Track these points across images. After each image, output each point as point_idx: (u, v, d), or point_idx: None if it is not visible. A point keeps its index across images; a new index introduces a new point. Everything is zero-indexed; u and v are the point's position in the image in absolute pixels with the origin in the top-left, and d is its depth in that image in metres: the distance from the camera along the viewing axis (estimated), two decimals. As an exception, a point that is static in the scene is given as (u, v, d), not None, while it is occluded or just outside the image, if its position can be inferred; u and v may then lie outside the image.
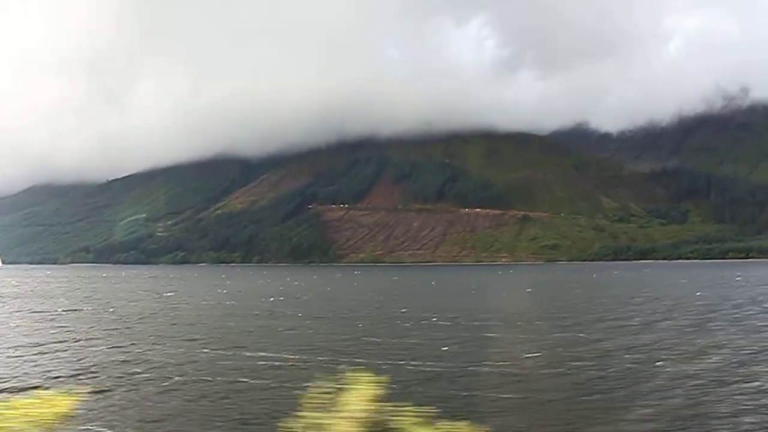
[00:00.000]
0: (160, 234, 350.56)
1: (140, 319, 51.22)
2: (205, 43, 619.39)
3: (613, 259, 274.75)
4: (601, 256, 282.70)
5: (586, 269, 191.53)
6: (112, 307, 62.44)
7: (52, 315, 54.99)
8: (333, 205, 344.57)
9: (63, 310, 59.61)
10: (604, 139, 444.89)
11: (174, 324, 47.28)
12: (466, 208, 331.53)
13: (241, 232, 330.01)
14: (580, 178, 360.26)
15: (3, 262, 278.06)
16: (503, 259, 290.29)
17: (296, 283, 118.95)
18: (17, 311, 59.82)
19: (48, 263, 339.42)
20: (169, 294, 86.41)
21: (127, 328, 44.46)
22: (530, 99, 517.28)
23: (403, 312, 53.15)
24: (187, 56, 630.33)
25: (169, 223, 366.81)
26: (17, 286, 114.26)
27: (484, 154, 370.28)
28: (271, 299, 72.21)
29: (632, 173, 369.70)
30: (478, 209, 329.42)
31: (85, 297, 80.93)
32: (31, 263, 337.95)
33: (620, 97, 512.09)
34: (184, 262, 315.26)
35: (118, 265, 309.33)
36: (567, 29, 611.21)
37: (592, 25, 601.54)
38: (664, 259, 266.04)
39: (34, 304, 69.07)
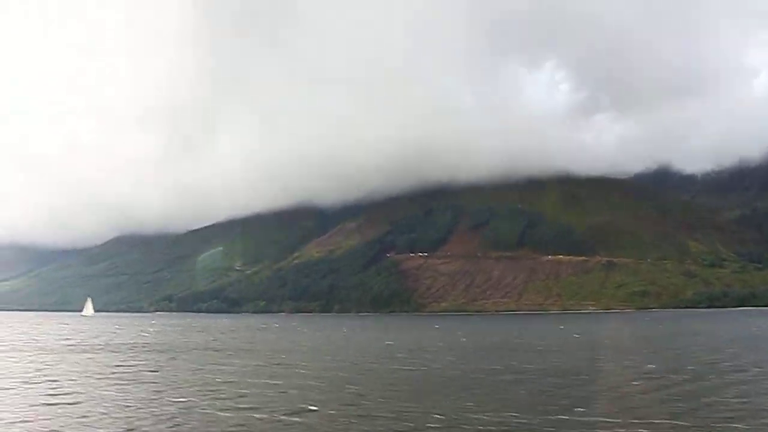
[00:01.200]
0: (240, 283, 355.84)
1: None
2: (282, 92, 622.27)
3: (708, 306, 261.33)
4: (695, 303, 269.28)
5: (687, 318, 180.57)
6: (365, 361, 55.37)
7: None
8: (411, 254, 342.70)
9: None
10: (689, 180, 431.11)
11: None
12: (546, 254, 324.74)
13: (321, 281, 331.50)
14: (664, 221, 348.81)
15: (94, 310, 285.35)
16: (590, 307, 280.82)
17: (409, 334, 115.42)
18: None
19: (133, 311, 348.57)
20: (390, 342, 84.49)
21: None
22: (609, 142, 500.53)
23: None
24: (264, 105, 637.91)
25: (248, 272, 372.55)
26: (171, 335, 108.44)
27: (562, 200, 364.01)
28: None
29: (720, 216, 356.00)
30: (560, 256, 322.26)
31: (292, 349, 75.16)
32: (117, 311, 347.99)
33: (704, 136, 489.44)
34: (265, 311, 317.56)
35: (201, 313, 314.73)
36: (644, 68, 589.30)
37: (670, 62, 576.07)
38: (766, 306, 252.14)
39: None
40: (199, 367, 50.09)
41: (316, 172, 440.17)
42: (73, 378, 42.80)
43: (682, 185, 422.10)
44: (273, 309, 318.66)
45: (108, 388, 37.40)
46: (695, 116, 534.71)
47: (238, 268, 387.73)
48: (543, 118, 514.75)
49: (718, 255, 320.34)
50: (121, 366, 51.09)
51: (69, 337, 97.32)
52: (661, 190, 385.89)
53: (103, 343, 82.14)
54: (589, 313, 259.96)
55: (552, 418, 27.25)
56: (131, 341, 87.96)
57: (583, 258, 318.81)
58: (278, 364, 52.48)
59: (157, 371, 47.41)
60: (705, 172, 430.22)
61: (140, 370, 47.52)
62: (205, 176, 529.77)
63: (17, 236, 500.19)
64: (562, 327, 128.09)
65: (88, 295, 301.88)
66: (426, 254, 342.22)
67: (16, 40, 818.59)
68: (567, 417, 27.50)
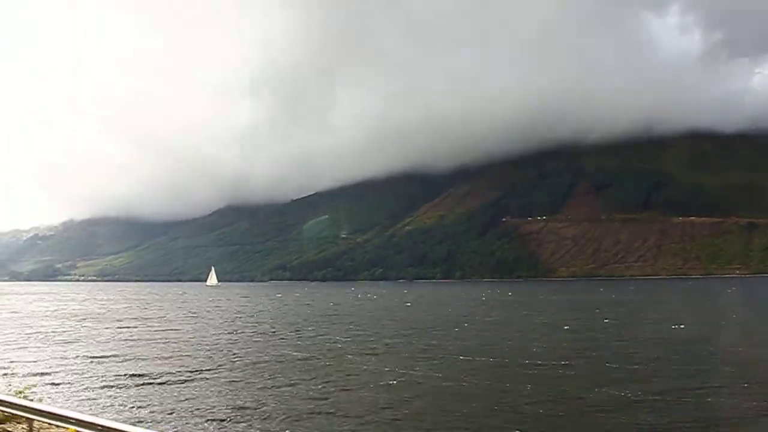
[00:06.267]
0: (353, 251, 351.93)
1: None
2: (397, 56, 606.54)
3: None
4: None
5: None
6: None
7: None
8: (529, 218, 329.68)
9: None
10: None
11: None
12: (677, 216, 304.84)
13: (438, 248, 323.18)
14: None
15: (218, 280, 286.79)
16: (737, 271, 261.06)
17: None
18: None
19: (247, 281, 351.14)
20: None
21: None
22: (748, 92, 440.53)
23: None
24: (378, 70, 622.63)
25: (359, 240, 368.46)
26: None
27: (691, 158, 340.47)
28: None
29: None
30: (692, 217, 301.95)
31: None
32: (230, 281, 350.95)
33: None
34: (382, 278, 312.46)
35: (315, 282, 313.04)
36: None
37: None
38: None
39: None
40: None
41: (427, 136, 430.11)
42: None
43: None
44: (390, 276, 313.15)
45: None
46: None
47: (344, 236, 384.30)
48: (672, 68, 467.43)
49: None
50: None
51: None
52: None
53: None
54: (742, 277, 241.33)
55: None
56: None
57: (719, 219, 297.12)
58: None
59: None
60: None
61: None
62: (314, 144, 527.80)
63: (129, 209, 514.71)
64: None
65: (212, 265, 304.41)
66: (545, 218, 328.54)
67: (134, 16, 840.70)
68: None
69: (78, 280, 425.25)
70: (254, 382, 29.31)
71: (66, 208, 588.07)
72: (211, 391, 27.26)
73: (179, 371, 32.52)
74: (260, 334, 53.16)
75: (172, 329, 56.59)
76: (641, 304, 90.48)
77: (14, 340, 46.85)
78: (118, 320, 66.39)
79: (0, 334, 50.86)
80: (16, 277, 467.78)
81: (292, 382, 29.19)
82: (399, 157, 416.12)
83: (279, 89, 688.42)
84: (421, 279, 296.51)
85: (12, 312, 79.53)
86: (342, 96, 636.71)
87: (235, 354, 39.84)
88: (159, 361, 36.59)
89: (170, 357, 38.64)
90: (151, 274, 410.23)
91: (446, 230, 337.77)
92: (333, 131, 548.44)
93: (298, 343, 45.09)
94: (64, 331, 54.73)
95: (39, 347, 42.68)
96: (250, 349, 41.89)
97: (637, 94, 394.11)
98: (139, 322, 62.40)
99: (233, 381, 30.01)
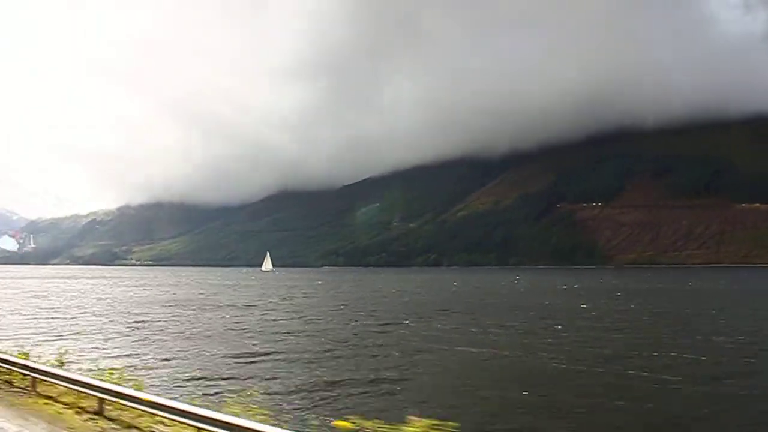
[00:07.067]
0: (406, 237, 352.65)
1: None
2: (452, 39, 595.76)
3: None
4: None
5: None
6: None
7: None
8: (584, 204, 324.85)
9: None
10: None
11: None
12: (740, 203, 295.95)
13: (492, 234, 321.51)
14: None
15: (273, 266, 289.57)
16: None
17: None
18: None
19: (300, 266, 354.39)
20: None
21: None
22: None
23: None
24: (433, 53, 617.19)
25: (412, 225, 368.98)
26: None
27: (755, 142, 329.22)
28: None
29: None
30: (756, 204, 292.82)
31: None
32: (283, 266, 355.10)
33: None
34: (436, 264, 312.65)
35: (369, 267, 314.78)
36: None
37: None
38: None
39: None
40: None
41: (481, 120, 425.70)
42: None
43: None
44: (443, 262, 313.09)
45: None
46: None
47: (397, 222, 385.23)
48: (735, 49, 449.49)
49: None
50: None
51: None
52: None
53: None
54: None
55: None
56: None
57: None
58: None
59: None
60: None
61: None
62: (367, 129, 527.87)
63: (184, 195, 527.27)
64: None
65: (265, 251, 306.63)
66: (600, 204, 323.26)
67: (194, 6, 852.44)
68: None
69: (134, 265, 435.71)
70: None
71: (123, 193, 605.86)
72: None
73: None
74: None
75: (314, 319, 49.47)
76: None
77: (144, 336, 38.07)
78: (226, 306, 65.66)
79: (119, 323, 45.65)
80: (75, 260, 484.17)
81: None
82: (453, 141, 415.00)
83: (332, 74, 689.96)
84: (475, 265, 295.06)
85: (113, 300, 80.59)
86: (396, 80, 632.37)
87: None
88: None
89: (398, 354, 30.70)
90: (205, 258, 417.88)
91: (500, 216, 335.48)
92: (386, 116, 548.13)
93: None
94: (177, 320, 48.34)
95: (164, 341, 36.18)
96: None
97: (698, 76, 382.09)
98: (255, 310, 61.11)
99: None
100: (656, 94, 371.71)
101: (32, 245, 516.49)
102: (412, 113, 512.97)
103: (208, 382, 23.29)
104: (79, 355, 27.62)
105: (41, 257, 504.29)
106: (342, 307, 63.73)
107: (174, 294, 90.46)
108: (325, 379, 24.15)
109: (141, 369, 25.43)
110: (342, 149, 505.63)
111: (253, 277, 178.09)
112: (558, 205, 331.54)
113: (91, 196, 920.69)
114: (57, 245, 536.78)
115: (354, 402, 20.28)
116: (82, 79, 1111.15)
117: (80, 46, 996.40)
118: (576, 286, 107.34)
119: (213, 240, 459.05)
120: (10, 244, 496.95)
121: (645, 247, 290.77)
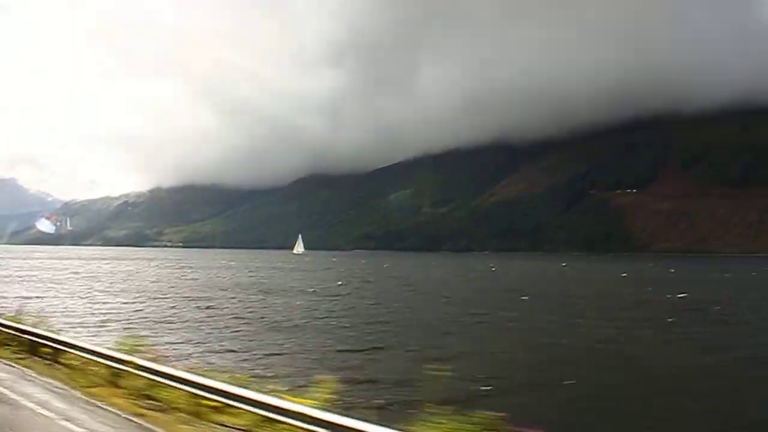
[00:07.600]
0: (437, 222, 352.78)
1: None
2: (484, 23, 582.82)
3: None
4: None
5: None
6: None
7: None
8: (618, 191, 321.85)
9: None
10: None
11: None
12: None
13: (524, 220, 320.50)
14: None
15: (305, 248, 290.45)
16: None
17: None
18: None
19: (330, 249, 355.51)
20: None
21: None
22: None
23: None
24: (464, 37, 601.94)
25: (442, 210, 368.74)
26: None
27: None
28: None
29: None
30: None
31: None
32: (314, 249, 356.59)
33: None
34: (467, 250, 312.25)
35: (401, 251, 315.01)
36: None
37: None
38: None
39: None
40: None
41: (513, 106, 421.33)
42: None
43: None
44: (475, 248, 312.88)
45: None
46: None
47: (427, 207, 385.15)
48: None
49: None
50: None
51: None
52: None
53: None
54: None
55: None
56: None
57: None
58: None
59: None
60: None
61: None
62: (398, 113, 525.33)
63: (215, 177, 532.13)
64: None
65: (297, 233, 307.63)
66: (634, 191, 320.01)
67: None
68: None
69: (166, 246, 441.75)
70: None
71: (154, 175, 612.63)
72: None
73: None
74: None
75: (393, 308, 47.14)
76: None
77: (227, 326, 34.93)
78: (291, 291, 63.16)
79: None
80: (108, 242, 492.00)
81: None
82: (484, 127, 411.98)
83: (363, 58, 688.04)
84: (506, 251, 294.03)
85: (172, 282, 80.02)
86: (427, 64, 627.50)
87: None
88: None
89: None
90: (234, 241, 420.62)
91: (532, 202, 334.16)
92: (417, 100, 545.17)
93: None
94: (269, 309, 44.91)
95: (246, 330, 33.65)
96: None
97: (736, 62, 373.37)
98: (323, 295, 58.00)
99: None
100: (694, 81, 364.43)
101: (69, 228, 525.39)
102: (443, 97, 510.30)
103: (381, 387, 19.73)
104: (177, 350, 25.25)
105: (74, 238, 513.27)
106: (412, 292, 63.44)
107: (224, 277, 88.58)
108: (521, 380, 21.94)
109: (261, 369, 21.75)
110: (372, 133, 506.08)
111: (293, 260, 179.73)
112: (590, 192, 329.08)
113: (124, 178, 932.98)
114: (90, 226, 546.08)
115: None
116: (113, 69, 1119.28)
117: (106, 33, 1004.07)
118: (623, 274, 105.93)
119: (243, 222, 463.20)
120: (47, 227, 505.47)
121: (680, 235, 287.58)
